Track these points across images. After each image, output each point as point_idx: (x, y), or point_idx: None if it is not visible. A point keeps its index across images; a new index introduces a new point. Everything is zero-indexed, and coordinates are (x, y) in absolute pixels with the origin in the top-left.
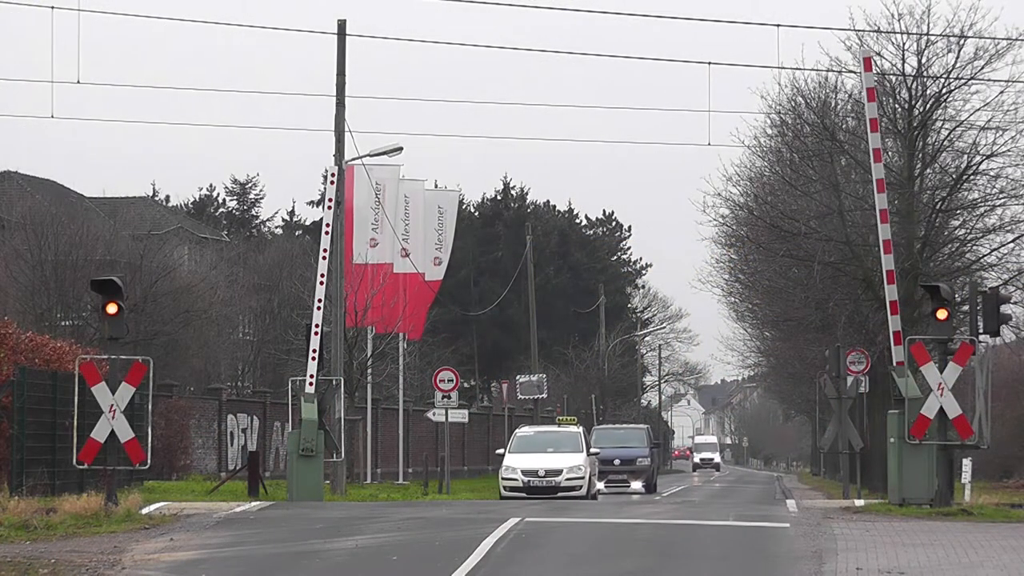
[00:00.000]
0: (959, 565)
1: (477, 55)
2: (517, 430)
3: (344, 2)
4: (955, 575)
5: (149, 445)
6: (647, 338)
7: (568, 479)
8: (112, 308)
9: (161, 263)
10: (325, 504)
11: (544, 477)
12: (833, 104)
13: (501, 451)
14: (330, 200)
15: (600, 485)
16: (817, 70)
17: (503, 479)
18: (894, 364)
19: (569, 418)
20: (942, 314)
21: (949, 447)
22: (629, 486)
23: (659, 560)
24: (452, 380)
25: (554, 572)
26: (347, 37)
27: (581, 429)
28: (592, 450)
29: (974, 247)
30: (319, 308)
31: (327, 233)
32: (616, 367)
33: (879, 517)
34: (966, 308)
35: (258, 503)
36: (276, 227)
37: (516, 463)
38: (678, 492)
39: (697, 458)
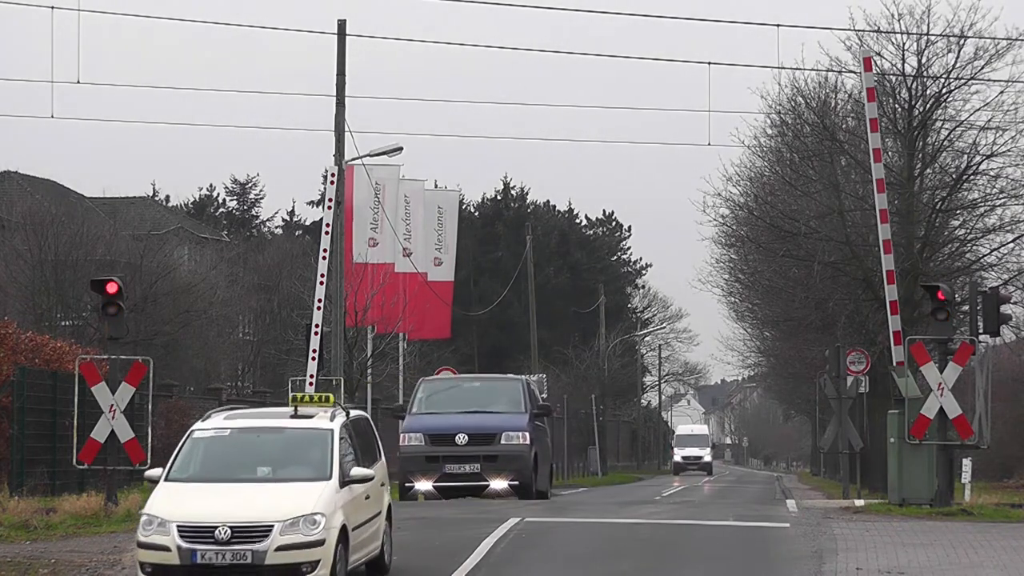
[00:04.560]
0: (959, 565)
1: (477, 55)
2: (198, 425)
3: (344, 2)
4: (955, 575)
5: (149, 445)
6: (647, 338)
7: (284, 548)
8: (112, 309)
9: (161, 263)
10: None
11: (229, 545)
12: (833, 104)
13: (154, 473)
14: (330, 200)
15: (424, 484)
16: (817, 70)
17: (141, 543)
18: (894, 364)
19: (317, 397)
20: (942, 314)
21: (949, 447)
22: (487, 485)
23: (659, 560)
24: None
25: (554, 572)
26: (347, 37)
27: (340, 423)
28: (355, 474)
29: (974, 247)
30: (319, 308)
31: (327, 233)
32: (616, 367)
33: (879, 517)
34: (966, 308)
35: None
36: (276, 227)
37: (173, 508)
38: (677, 492)
39: (679, 456)
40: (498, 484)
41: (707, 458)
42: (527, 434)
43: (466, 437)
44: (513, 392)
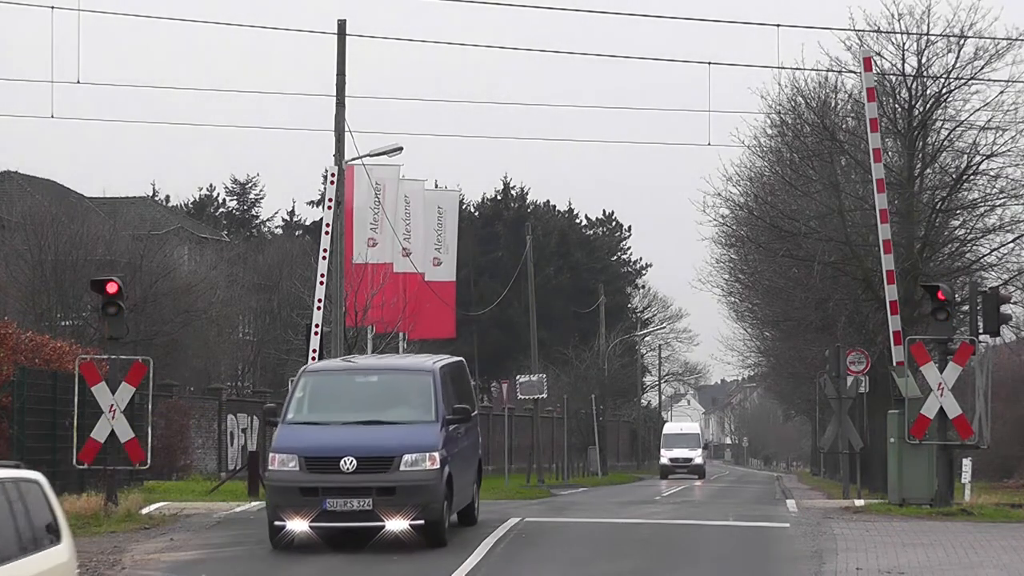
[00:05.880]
0: (959, 565)
1: (477, 55)
2: None
3: (344, 2)
4: (955, 575)
5: (149, 445)
6: (647, 338)
7: None
8: (112, 309)
9: (161, 263)
10: None
11: None
12: (833, 104)
13: None
14: (330, 200)
15: (298, 524)
16: (817, 70)
17: None
18: (894, 364)
19: None
20: (942, 314)
21: (949, 447)
22: (382, 527)
23: (659, 560)
24: None
25: (554, 572)
26: (347, 37)
27: None
28: None
29: (974, 247)
30: (319, 308)
31: (327, 233)
32: (616, 367)
33: (879, 517)
34: (966, 308)
35: (258, 503)
36: (276, 227)
37: None
38: (677, 492)
39: (667, 458)
40: (397, 524)
41: (698, 460)
42: (436, 455)
43: (354, 462)
44: (422, 390)
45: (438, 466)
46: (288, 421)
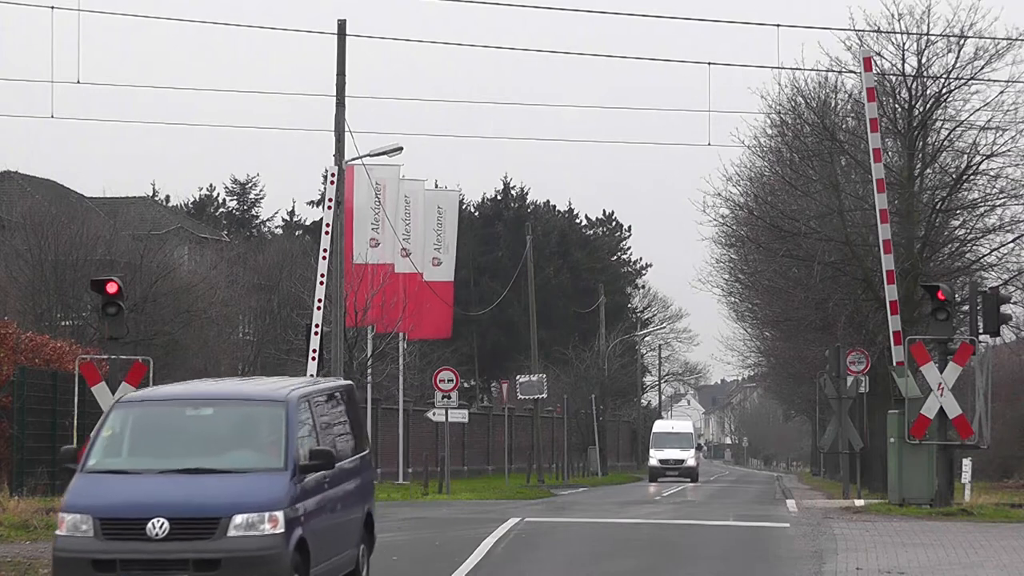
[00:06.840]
0: (959, 565)
1: (476, 55)
2: None
3: (344, 2)
4: (955, 575)
5: None
6: (647, 338)
7: None
8: (111, 309)
9: (161, 263)
10: None
11: None
12: (833, 104)
13: None
14: (330, 200)
15: None
16: (817, 70)
17: None
18: (894, 364)
19: None
20: (942, 314)
21: (949, 447)
22: None
23: (659, 560)
24: (452, 380)
25: (554, 572)
26: (347, 37)
27: None
28: None
29: (974, 247)
30: (319, 308)
31: (327, 233)
32: (616, 367)
33: (879, 517)
34: (966, 308)
35: None
36: (276, 227)
37: None
38: (677, 492)
39: (656, 459)
40: None
41: (691, 461)
42: (279, 515)
43: (167, 525)
44: (270, 428)
45: (282, 530)
46: (87, 469)
